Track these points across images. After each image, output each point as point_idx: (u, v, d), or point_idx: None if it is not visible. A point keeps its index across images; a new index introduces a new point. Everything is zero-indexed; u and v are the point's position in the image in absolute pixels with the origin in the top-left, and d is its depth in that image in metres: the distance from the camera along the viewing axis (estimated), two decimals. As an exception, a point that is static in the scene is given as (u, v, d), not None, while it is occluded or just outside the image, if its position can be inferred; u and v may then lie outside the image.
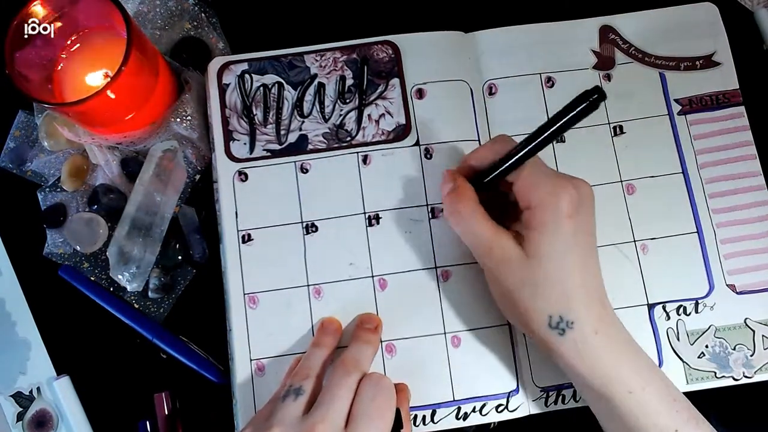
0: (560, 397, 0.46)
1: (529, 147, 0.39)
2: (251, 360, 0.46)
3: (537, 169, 0.40)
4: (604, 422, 0.41)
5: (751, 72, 0.51)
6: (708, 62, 0.51)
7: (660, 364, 0.46)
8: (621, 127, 0.50)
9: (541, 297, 0.38)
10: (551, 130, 0.38)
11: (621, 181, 0.49)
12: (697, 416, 0.39)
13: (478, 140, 0.49)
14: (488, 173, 0.42)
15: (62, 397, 0.48)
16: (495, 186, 0.42)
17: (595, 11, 0.52)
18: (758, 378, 0.46)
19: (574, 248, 0.38)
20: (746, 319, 0.47)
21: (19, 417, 0.48)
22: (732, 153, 0.50)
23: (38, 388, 0.49)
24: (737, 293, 0.48)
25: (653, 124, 0.50)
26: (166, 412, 0.47)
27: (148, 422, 0.47)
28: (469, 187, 0.42)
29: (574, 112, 0.37)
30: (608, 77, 0.51)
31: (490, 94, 0.50)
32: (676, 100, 0.50)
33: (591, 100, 0.36)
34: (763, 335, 0.47)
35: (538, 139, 0.38)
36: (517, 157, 0.40)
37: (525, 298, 0.39)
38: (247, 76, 0.50)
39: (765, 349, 0.47)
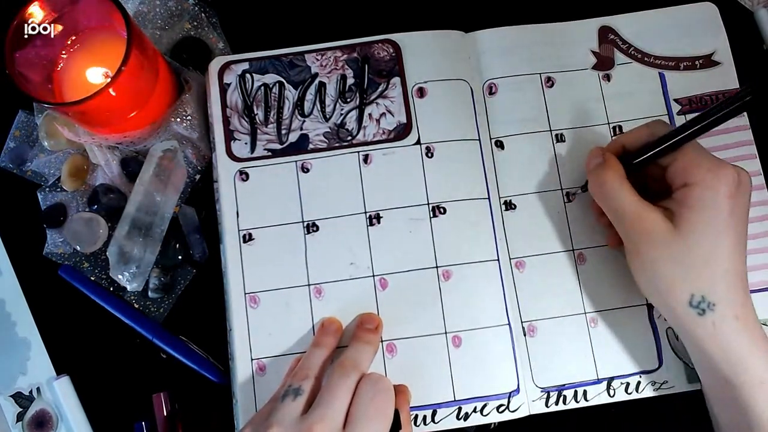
0: (561, 397, 0.46)
1: (691, 130, 0.40)
2: (252, 359, 0.46)
3: (697, 150, 0.40)
4: (720, 410, 0.41)
5: (751, 72, 0.51)
6: (708, 62, 0.51)
7: (660, 364, 0.46)
8: (621, 127, 0.50)
9: (687, 274, 0.38)
10: (716, 116, 0.39)
11: (621, 181, 0.49)
12: None
13: (479, 140, 0.49)
14: (640, 154, 0.42)
15: (62, 397, 0.48)
16: (642, 168, 0.43)
17: (594, 11, 0.52)
18: (758, 378, 0.46)
19: (728, 230, 0.38)
20: (746, 318, 0.47)
21: (19, 417, 0.48)
22: (732, 153, 0.50)
23: (38, 389, 0.49)
24: (737, 293, 0.48)
25: (653, 124, 0.50)
26: (165, 413, 0.47)
27: (144, 423, 0.47)
28: (616, 161, 0.42)
29: (739, 103, 0.38)
30: (608, 77, 0.51)
31: (491, 93, 0.50)
32: (676, 100, 0.50)
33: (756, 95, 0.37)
34: (762, 335, 0.47)
35: (702, 124, 0.39)
36: (678, 138, 0.40)
37: (669, 273, 0.39)
38: (248, 75, 0.50)
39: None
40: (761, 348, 0.38)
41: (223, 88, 0.50)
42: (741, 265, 0.39)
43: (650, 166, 0.42)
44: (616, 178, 0.42)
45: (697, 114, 0.40)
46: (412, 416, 0.45)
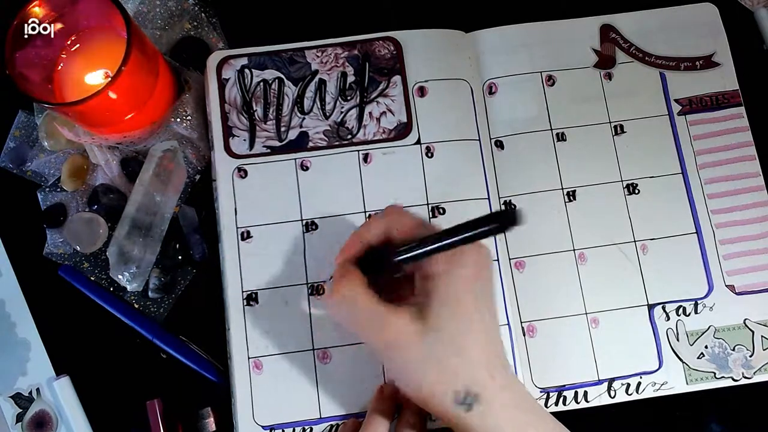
0: (561, 398, 0.46)
1: (450, 240, 0.36)
2: (249, 358, 0.46)
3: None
4: None
5: (751, 72, 0.51)
6: (708, 62, 0.51)
7: (660, 365, 0.46)
8: (621, 127, 0.50)
9: (444, 371, 0.36)
10: (468, 234, 0.36)
11: (621, 181, 0.49)
12: None
13: (479, 140, 0.49)
14: (385, 252, 0.39)
15: (62, 398, 0.48)
16: (380, 268, 0.40)
17: (595, 10, 0.52)
18: (757, 378, 0.47)
19: (477, 313, 0.37)
20: (745, 319, 0.47)
21: (19, 418, 0.48)
22: (732, 154, 0.50)
23: (38, 389, 0.48)
24: (736, 294, 0.48)
25: (653, 124, 0.50)
26: (159, 420, 0.47)
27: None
28: (353, 271, 0.39)
29: (492, 226, 0.35)
30: (609, 76, 0.51)
31: (491, 93, 0.50)
32: (676, 100, 0.50)
33: (502, 222, 0.35)
34: (762, 336, 0.47)
35: (462, 236, 0.36)
36: (436, 246, 0.37)
37: (427, 376, 0.36)
38: (246, 71, 0.50)
39: (764, 350, 0.47)
40: (532, 426, 0.37)
41: (222, 84, 0.50)
42: (496, 345, 0.38)
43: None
44: (352, 286, 0.38)
45: (454, 225, 0.36)
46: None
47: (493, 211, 0.35)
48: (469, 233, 0.36)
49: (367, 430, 0.42)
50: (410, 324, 0.36)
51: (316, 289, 0.47)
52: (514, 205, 0.35)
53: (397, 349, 0.37)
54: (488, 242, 0.47)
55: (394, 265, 0.38)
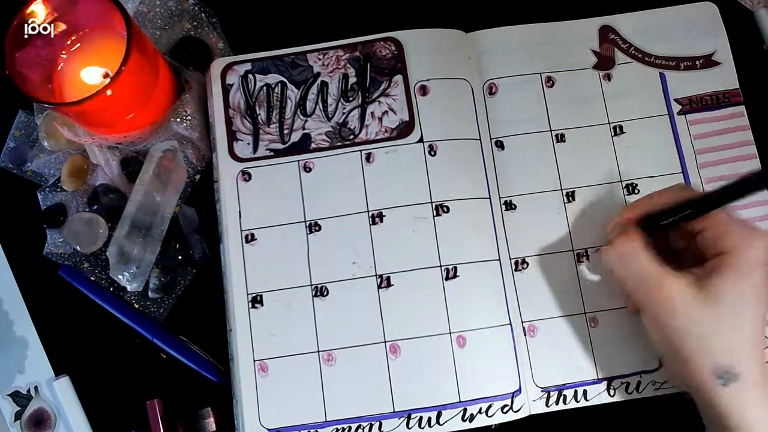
0: (561, 397, 0.46)
1: (725, 195, 0.39)
2: (254, 360, 0.46)
3: (729, 217, 0.40)
4: None
5: (751, 72, 0.51)
6: (708, 62, 0.51)
7: (660, 364, 0.46)
8: (621, 127, 0.50)
9: (712, 344, 0.38)
10: (750, 182, 0.38)
11: (621, 181, 0.49)
12: None
13: (479, 140, 0.49)
14: (664, 217, 0.42)
15: (62, 397, 0.48)
16: (667, 231, 0.42)
17: (595, 11, 0.52)
18: (758, 377, 0.47)
19: (759, 298, 0.38)
20: (746, 318, 0.47)
21: (17, 416, 0.48)
22: (732, 153, 0.50)
23: (36, 387, 0.48)
24: (737, 293, 0.48)
25: (653, 124, 0.50)
26: (159, 420, 0.46)
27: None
28: (636, 232, 0.41)
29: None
30: (608, 77, 0.51)
31: (491, 93, 0.50)
32: (676, 100, 0.51)
33: None
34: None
35: (734, 190, 0.39)
36: (709, 204, 0.40)
37: (692, 341, 0.38)
38: (250, 76, 0.50)
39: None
40: None
41: (226, 89, 0.50)
42: (762, 333, 0.39)
43: (681, 230, 0.42)
44: (635, 248, 0.40)
45: (725, 183, 0.39)
46: (416, 418, 0.45)
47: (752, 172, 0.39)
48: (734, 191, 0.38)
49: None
50: (689, 287, 0.38)
51: (320, 291, 0.47)
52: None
53: (671, 308, 0.39)
54: (491, 241, 0.47)
55: (655, 230, 0.41)
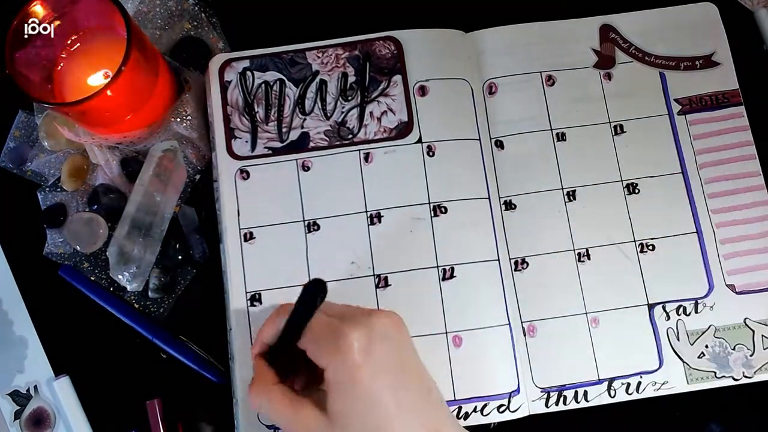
0: (561, 397, 0.46)
1: (298, 314, 0.36)
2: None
3: (318, 326, 0.36)
4: None
5: (751, 72, 0.51)
6: (708, 62, 0.51)
7: (660, 364, 0.46)
8: (621, 127, 0.50)
9: None
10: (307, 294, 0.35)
11: (621, 181, 0.49)
12: None
13: (479, 140, 0.49)
14: (278, 346, 0.39)
15: (62, 398, 0.48)
16: (287, 354, 0.39)
17: (595, 10, 0.52)
18: (758, 378, 0.46)
19: (377, 394, 0.34)
20: (746, 319, 0.47)
21: (17, 415, 0.48)
22: (731, 153, 0.50)
23: (35, 387, 0.48)
24: (737, 293, 0.48)
25: (653, 124, 0.50)
26: (159, 420, 0.47)
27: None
28: (262, 366, 0.39)
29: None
30: (608, 76, 0.51)
31: (491, 93, 0.50)
32: (676, 100, 0.50)
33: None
34: (762, 335, 0.47)
35: (301, 307, 0.36)
36: (285, 331, 0.37)
37: None
38: (248, 73, 0.50)
39: (765, 349, 0.47)
40: None
41: (224, 86, 0.50)
42: (413, 405, 0.35)
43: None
44: (260, 390, 0.37)
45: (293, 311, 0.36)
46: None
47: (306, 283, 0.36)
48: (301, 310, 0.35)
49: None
50: (317, 419, 0.35)
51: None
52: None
53: None
54: (490, 241, 0.47)
55: (280, 356, 0.38)
